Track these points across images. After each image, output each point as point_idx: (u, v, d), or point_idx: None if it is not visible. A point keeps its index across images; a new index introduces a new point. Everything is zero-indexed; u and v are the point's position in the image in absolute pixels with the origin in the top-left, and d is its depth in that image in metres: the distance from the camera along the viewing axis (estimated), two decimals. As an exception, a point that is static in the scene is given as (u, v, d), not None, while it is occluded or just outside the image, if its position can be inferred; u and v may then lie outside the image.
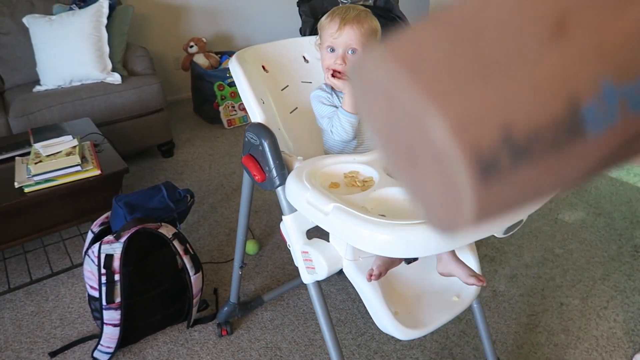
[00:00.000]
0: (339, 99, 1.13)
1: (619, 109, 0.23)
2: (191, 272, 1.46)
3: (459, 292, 1.07)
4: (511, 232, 0.84)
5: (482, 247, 1.90)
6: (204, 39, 3.30)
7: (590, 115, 0.23)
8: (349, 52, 1.09)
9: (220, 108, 3.07)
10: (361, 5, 2.10)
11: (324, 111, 1.12)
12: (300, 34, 2.19)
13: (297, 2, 2.12)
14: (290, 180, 0.93)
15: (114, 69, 2.50)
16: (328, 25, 1.09)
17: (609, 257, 1.83)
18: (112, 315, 1.38)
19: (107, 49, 2.47)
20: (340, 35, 1.07)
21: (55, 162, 1.62)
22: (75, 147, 1.69)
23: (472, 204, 0.22)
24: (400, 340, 1.45)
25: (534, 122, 0.22)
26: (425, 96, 0.22)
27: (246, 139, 1.06)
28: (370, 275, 0.92)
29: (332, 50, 1.10)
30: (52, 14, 2.52)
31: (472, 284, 1.02)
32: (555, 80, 0.22)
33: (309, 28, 1.97)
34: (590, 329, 1.53)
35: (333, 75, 1.09)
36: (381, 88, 0.24)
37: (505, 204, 0.23)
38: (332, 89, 1.14)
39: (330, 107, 1.12)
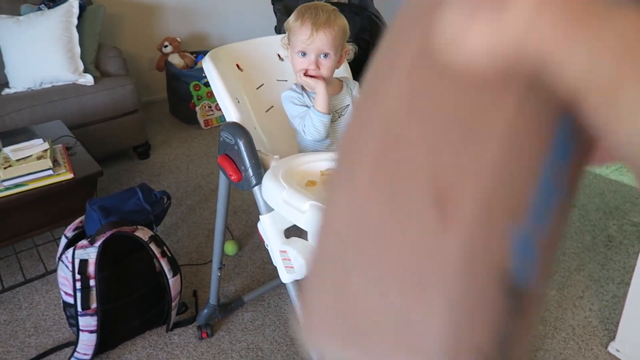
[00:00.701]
0: (310, 98, 1.12)
1: (540, 246, 0.23)
2: (169, 275, 1.44)
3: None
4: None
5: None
6: (179, 39, 3.25)
7: (521, 274, 0.23)
8: (322, 56, 1.08)
9: (197, 108, 3.03)
10: (336, 2, 2.10)
11: (296, 111, 1.11)
12: (276, 32, 2.18)
13: (272, 1, 2.11)
14: (267, 179, 0.92)
15: (86, 70, 2.44)
16: (299, 30, 1.07)
17: (584, 248, 1.87)
18: (88, 322, 1.35)
19: (78, 50, 2.42)
20: (313, 42, 1.06)
21: (26, 166, 1.58)
22: (46, 150, 1.65)
23: None
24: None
25: (492, 335, 0.22)
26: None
27: (221, 139, 1.05)
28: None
29: (304, 54, 1.09)
30: (20, 15, 2.46)
31: None
32: (479, 269, 0.22)
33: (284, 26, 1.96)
34: (566, 319, 1.56)
35: (305, 74, 1.08)
36: None
37: None
38: (303, 88, 1.14)
39: (302, 107, 1.11)
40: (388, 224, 0.23)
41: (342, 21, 1.10)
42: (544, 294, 0.24)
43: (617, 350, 1.41)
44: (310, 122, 1.07)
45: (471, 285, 0.22)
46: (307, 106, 1.12)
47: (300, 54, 1.09)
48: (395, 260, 0.22)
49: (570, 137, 0.23)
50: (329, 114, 1.07)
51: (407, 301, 0.22)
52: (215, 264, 1.41)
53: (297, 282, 1.04)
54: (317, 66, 1.08)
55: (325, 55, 1.08)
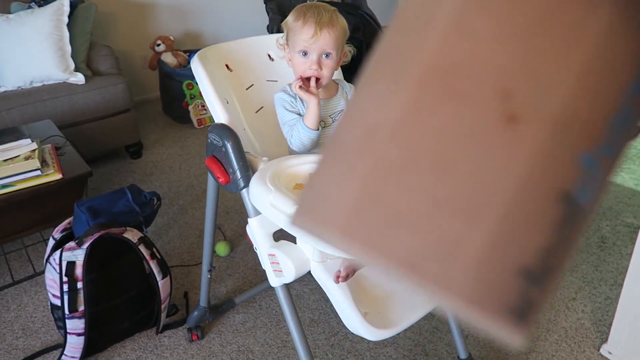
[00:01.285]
0: (303, 104, 1.10)
1: (603, 167, 0.22)
2: (158, 277, 1.42)
3: (429, 290, 1.07)
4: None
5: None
6: (172, 37, 3.23)
7: (582, 194, 0.21)
8: (324, 56, 1.06)
9: (190, 107, 3.01)
10: (329, 2, 2.08)
11: (286, 117, 1.09)
12: (268, 31, 2.16)
13: (264, 0, 2.09)
14: (254, 182, 0.91)
15: (77, 69, 2.42)
16: (301, 29, 1.04)
17: (577, 249, 1.86)
18: (75, 324, 1.34)
19: (69, 49, 2.39)
20: (316, 41, 1.03)
21: (13, 166, 1.56)
22: (34, 150, 1.63)
23: (520, 338, 0.21)
24: (373, 339, 1.44)
25: (541, 243, 0.21)
26: (423, 283, 0.20)
27: (209, 141, 1.03)
28: (338, 277, 0.90)
29: (305, 54, 1.06)
30: (9, 13, 2.43)
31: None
32: (540, 187, 0.21)
33: (276, 25, 1.94)
34: (559, 321, 1.56)
35: (301, 87, 1.05)
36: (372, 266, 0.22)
37: (538, 307, 0.22)
38: None
39: (292, 113, 1.09)
40: (449, 130, 0.21)
41: (343, 22, 1.08)
42: (593, 215, 0.23)
43: (610, 353, 1.41)
44: (298, 134, 1.05)
45: (528, 202, 0.21)
46: (298, 113, 1.09)
47: (301, 53, 1.06)
48: (451, 166, 0.21)
49: None
50: (318, 129, 1.05)
51: (452, 208, 0.20)
52: (205, 266, 1.40)
53: (285, 286, 1.03)
54: (319, 66, 1.06)
55: (328, 55, 1.06)
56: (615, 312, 1.38)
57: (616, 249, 1.86)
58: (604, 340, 1.45)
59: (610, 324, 1.41)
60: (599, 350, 1.44)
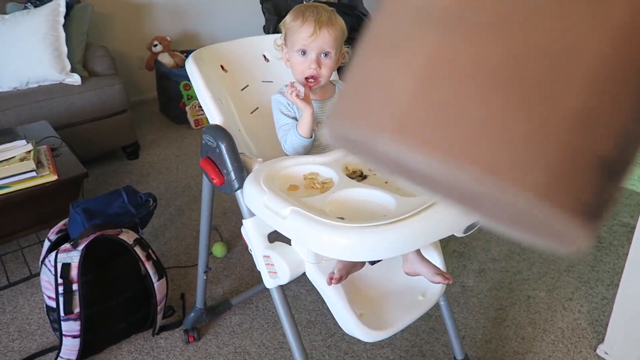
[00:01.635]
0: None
1: None
2: (154, 279, 1.42)
3: (424, 291, 1.06)
4: (471, 232, 0.83)
5: (451, 243, 1.91)
6: (169, 38, 3.22)
7: None
8: (323, 55, 1.06)
9: (187, 108, 3.00)
10: (325, 2, 2.08)
11: (282, 121, 1.09)
12: (264, 32, 2.16)
13: (260, 0, 2.08)
14: (248, 183, 0.91)
15: (73, 70, 2.41)
16: (300, 29, 1.04)
17: None
18: (71, 326, 1.33)
19: (65, 49, 2.38)
20: (316, 39, 1.03)
21: (8, 168, 1.55)
22: (29, 151, 1.62)
23: (587, 239, 0.19)
24: (370, 340, 1.44)
25: (620, 129, 0.18)
26: (497, 182, 0.18)
27: (203, 142, 1.03)
28: (331, 279, 0.90)
29: (304, 53, 1.06)
30: (5, 13, 2.42)
31: (438, 282, 1.02)
32: (621, 67, 0.18)
33: (272, 26, 1.94)
34: (556, 321, 1.56)
35: (297, 96, 1.05)
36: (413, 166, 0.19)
37: (609, 204, 0.20)
38: None
39: (288, 118, 1.09)
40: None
41: (342, 22, 1.08)
42: None
43: (606, 353, 1.41)
44: (291, 140, 1.05)
45: (609, 83, 0.18)
46: (294, 118, 1.09)
47: (300, 52, 1.06)
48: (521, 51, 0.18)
49: None
50: (311, 137, 1.05)
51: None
52: (200, 268, 1.40)
53: (280, 288, 1.03)
54: (319, 65, 1.05)
55: (327, 54, 1.05)
56: (612, 313, 1.38)
57: (613, 249, 1.86)
58: (601, 340, 1.45)
59: (607, 324, 1.41)
60: (595, 350, 1.44)
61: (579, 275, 1.74)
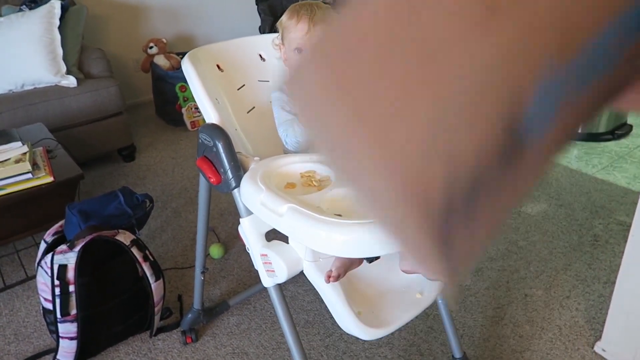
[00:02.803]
0: None
1: (565, 100, 0.20)
2: (151, 280, 1.41)
3: (422, 288, 1.06)
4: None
5: (448, 242, 1.91)
6: (164, 40, 3.22)
7: (529, 125, 0.20)
8: None
9: (183, 110, 3.00)
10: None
11: (282, 117, 1.09)
12: (260, 32, 2.16)
13: (256, 1, 2.09)
14: (245, 181, 0.91)
15: (68, 72, 2.40)
16: (295, 27, 1.05)
17: (571, 247, 1.87)
18: (67, 328, 1.33)
19: (60, 51, 2.38)
20: (310, 37, 1.04)
21: (3, 170, 1.54)
22: (25, 153, 1.62)
23: (440, 260, 0.20)
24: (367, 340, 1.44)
25: (476, 149, 0.19)
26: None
27: (200, 141, 1.03)
28: (329, 277, 0.90)
29: (300, 51, 1.06)
30: (0, 16, 2.42)
31: (436, 279, 1.02)
32: (487, 97, 0.19)
33: (268, 26, 1.94)
34: (553, 319, 1.56)
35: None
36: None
37: (476, 237, 0.21)
38: None
39: (289, 114, 1.09)
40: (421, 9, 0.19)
41: None
42: (547, 165, 0.21)
43: (603, 350, 1.41)
44: (293, 134, 1.05)
45: (476, 105, 0.19)
46: (295, 114, 1.09)
47: (296, 51, 1.07)
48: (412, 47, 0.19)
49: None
50: None
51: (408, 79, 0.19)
52: (198, 268, 1.39)
53: (278, 287, 1.03)
54: None
55: None
56: (609, 310, 1.38)
57: (609, 247, 1.86)
58: (598, 337, 1.45)
59: (604, 322, 1.42)
60: (592, 347, 1.44)
61: (576, 273, 1.74)
